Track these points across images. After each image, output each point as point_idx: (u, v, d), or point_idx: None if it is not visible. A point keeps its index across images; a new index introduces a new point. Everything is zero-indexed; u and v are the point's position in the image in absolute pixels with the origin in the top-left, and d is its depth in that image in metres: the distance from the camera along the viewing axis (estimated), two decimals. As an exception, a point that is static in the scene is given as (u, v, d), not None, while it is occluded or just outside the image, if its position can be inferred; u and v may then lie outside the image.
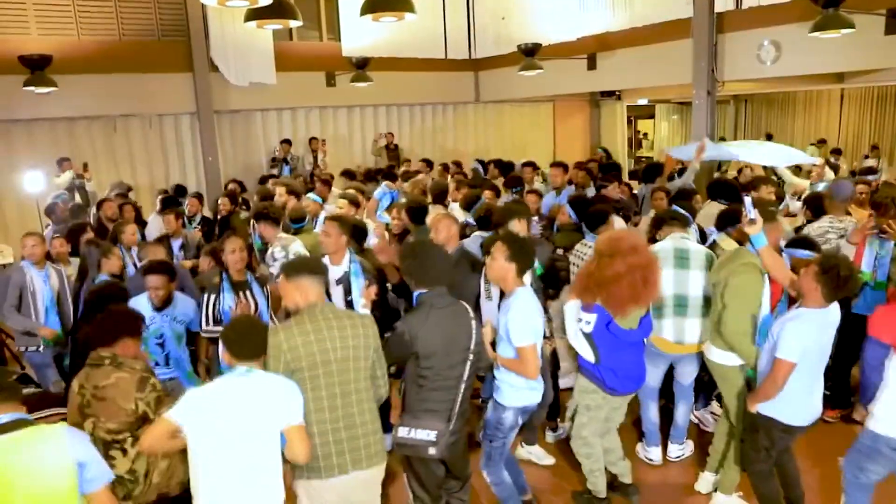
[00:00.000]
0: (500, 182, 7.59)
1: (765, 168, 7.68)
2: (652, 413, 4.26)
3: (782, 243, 4.12)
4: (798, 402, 3.24)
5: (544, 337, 3.95)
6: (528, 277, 3.65)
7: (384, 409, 4.10)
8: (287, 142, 11.63)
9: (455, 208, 6.29)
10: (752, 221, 3.43)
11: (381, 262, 4.13)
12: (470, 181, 7.80)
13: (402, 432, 3.05)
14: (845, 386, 4.81)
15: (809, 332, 3.11)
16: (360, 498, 2.90)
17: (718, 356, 3.72)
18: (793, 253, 4.07)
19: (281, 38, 11.38)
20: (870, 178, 8.23)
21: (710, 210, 5.52)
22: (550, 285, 4.53)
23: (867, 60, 8.29)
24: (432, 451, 3.01)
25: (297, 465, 2.75)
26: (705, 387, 4.72)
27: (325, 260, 4.04)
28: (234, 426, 2.47)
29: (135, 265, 5.33)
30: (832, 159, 10.61)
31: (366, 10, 5.55)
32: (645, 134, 18.95)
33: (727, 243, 4.25)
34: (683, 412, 4.27)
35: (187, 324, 4.18)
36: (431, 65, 12.49)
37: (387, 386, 3.01)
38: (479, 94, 14.13)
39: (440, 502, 3.28)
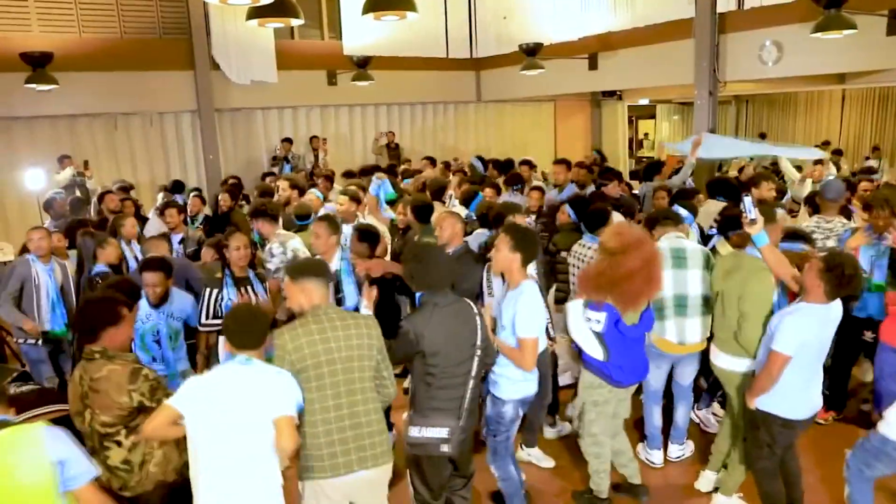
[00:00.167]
0: (500, 181, 7.59)
1: (765, 167, 7.69)
2: (655, 417, 4.25)
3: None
4: (795, 396, 3.24)
5: (549, 338, 3.95)
6: (532, 269, 3.65)
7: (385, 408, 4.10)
8: (288, 140, 11.65)
9: (456, 204, 6.32)
10: (753, 221, 3.42)
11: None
12: (470, 178, 7.80)
13: (414, 432, 3.05)
14: (842, 388, 4.78)
15: (809, 327, 3.12)
16: (366, 498, 2.90)
17: (726, 362, 3.69)
18: (786, 247, 4.02)
19: (282, 37, 11.39)
20: (871, 177, 8.22)
21: (709, 208, 5.51)
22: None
23: (869, 61, 8.30)
24: (445, 448, 3.02)
25: (302, 465, 2.76)
26: (708, 388, 4.73)
27: None
28: (230, 415, 2.49)
29: (136, 259, 5.30)
30: (833, 160, 10.60)
31: (367, 8, 5.55)
32: (646, 134, 18.93)
33: (724, 248, 4.23)
34: (683, 413, 4.27)
35: (185, 319, 4.17)
36: (432, 64, 12.50)
37: (394, 387, 3.00)
38: (481, 93, 14.12)
39: (441, 500, 3.28)
